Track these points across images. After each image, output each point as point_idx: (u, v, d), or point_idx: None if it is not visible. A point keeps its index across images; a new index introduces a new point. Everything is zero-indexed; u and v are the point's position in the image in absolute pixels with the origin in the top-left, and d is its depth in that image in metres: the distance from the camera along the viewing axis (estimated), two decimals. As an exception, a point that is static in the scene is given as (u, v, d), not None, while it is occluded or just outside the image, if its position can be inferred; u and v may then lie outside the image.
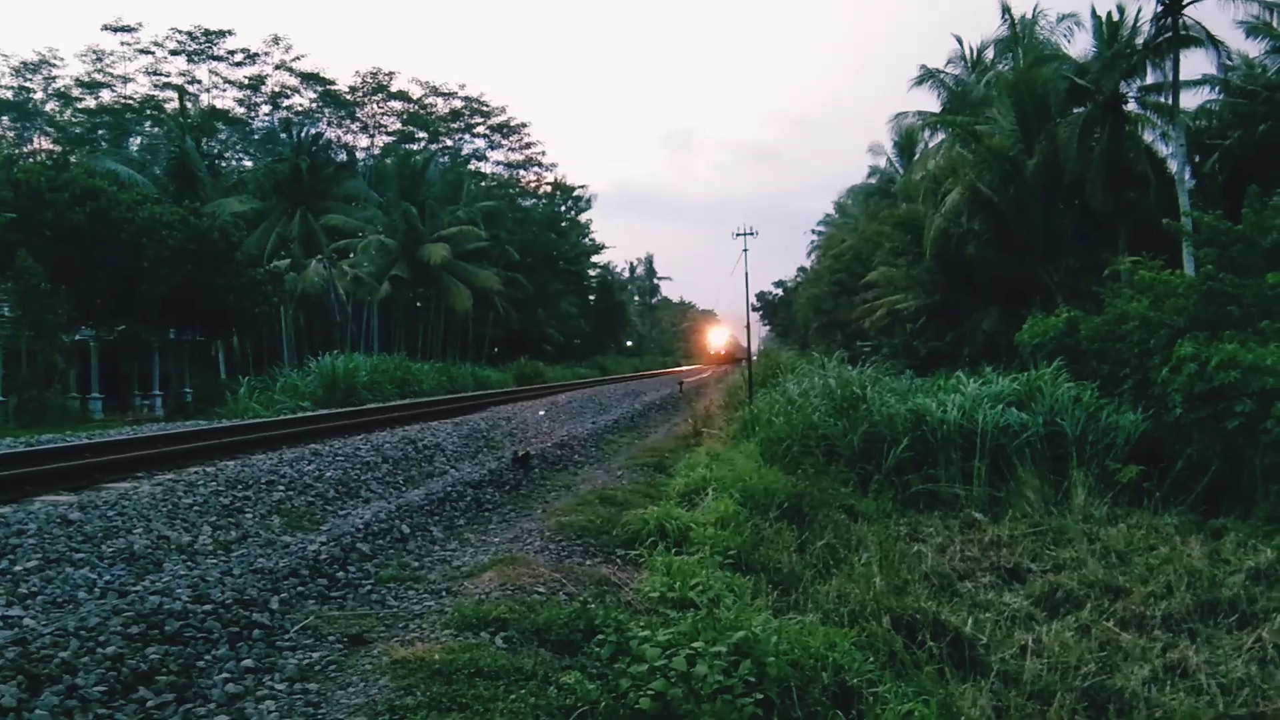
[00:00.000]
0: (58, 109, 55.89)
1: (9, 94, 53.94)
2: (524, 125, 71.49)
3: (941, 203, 27.32)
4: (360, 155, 62.27)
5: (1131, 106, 25.92)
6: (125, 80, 57.52)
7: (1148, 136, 26.00)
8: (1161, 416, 13.39)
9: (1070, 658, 7.11)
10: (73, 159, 46.22)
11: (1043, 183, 24.82)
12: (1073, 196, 25.33)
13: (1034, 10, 30.22)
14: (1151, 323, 14.61)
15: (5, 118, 54.51)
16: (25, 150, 50.85)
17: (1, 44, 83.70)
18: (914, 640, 6.84)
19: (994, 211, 25.95)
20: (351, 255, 46.34)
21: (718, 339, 74.69)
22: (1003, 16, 30.45)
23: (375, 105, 65.48)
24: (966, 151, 27.59)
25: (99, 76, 56.49)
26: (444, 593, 6.53)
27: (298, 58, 60.46)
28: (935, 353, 27.48)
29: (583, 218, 77.12)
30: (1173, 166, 23.80)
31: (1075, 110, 25.51)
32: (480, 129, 70.02)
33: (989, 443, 13.24)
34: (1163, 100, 24.71)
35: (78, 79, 55.85)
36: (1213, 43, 23.23)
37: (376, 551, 7.69)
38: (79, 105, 56.45)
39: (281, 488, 9.05)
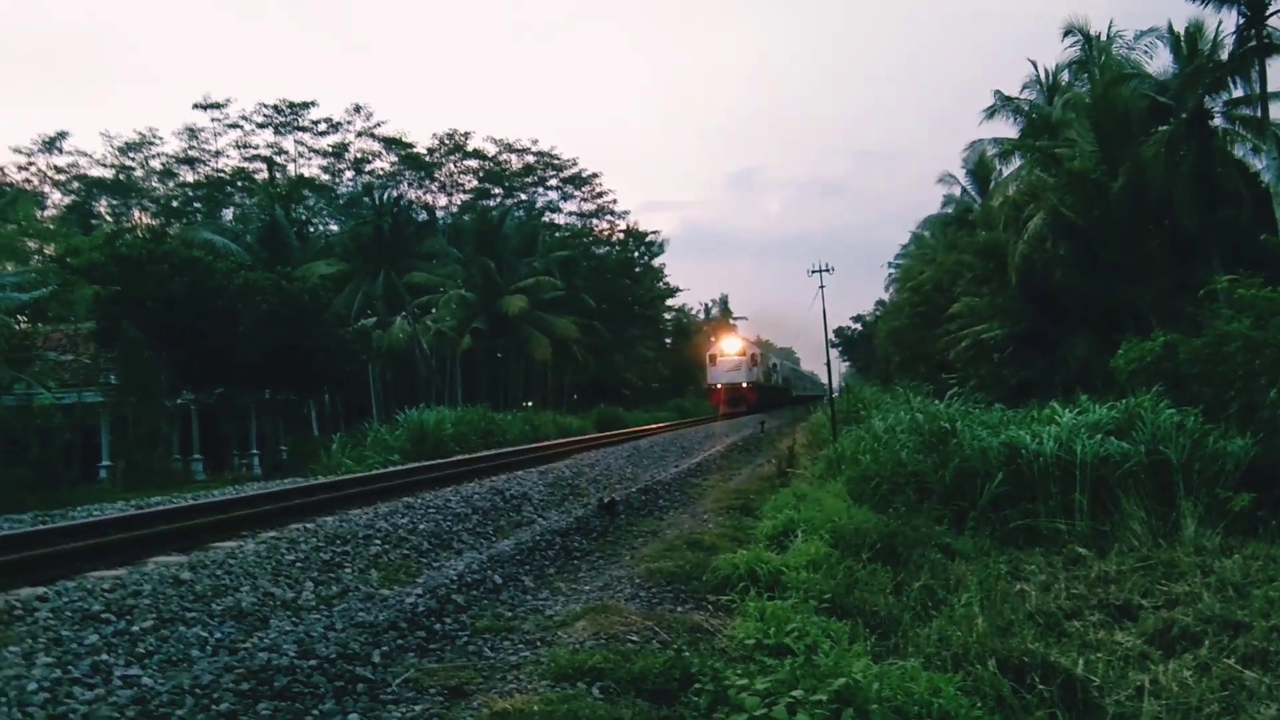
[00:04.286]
0: (156, 185, 58.99)
1: (110, 173, 57.13)
2: (595, 175, 72.70)
3: (1023, 229, 26.74)
4: (439, 213, 64.11)
5: (1218, 121, 25.10)
6: (217, 154, 60.51)
7: (1238, 151, 25.10)
8: (1271, 440, 12.75)
9: (1191, 698, 6.76)
10: (170, 231, 48.69)
11: (1129, 204, 24.12)
12: (1161, 216, 24.54)
13: (1109, 29, 29.65)
14: (1256, 343, 13.98)
15: (106, 198, 57.68)
16: (126, 226, 53.68)
17: (108, 127, 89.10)
18: (1022, 684, 6.59)
19: (1079, 235, 25.30)
20: (434, 310, 47.50)
21: (726, 363, 52.86)
22: (1063, 38, 29.81)
23: (452, 165, 67.39)
24: (1047, 176, 27.03)
25: (193, 152, 59.54)
26: (538, 643, 6.57)
27: (378, 124, 62.80)
28: (1026, 382, 26.70)
29: (656, 262, 77.69)
30: (1266, 180, 22.91)
31: (1159, 129, 24.81)
32: (553, 181, 71.43)
33: (1089, 474, 12.77)
34: (1251, 113, 23.88)
35: (174, 155, 58.97)
36: (1301, 50, 22.40)
37: (471, 603, 7.79)
38: (176, 180, 59.48)
39: (378, 542, 9.26)
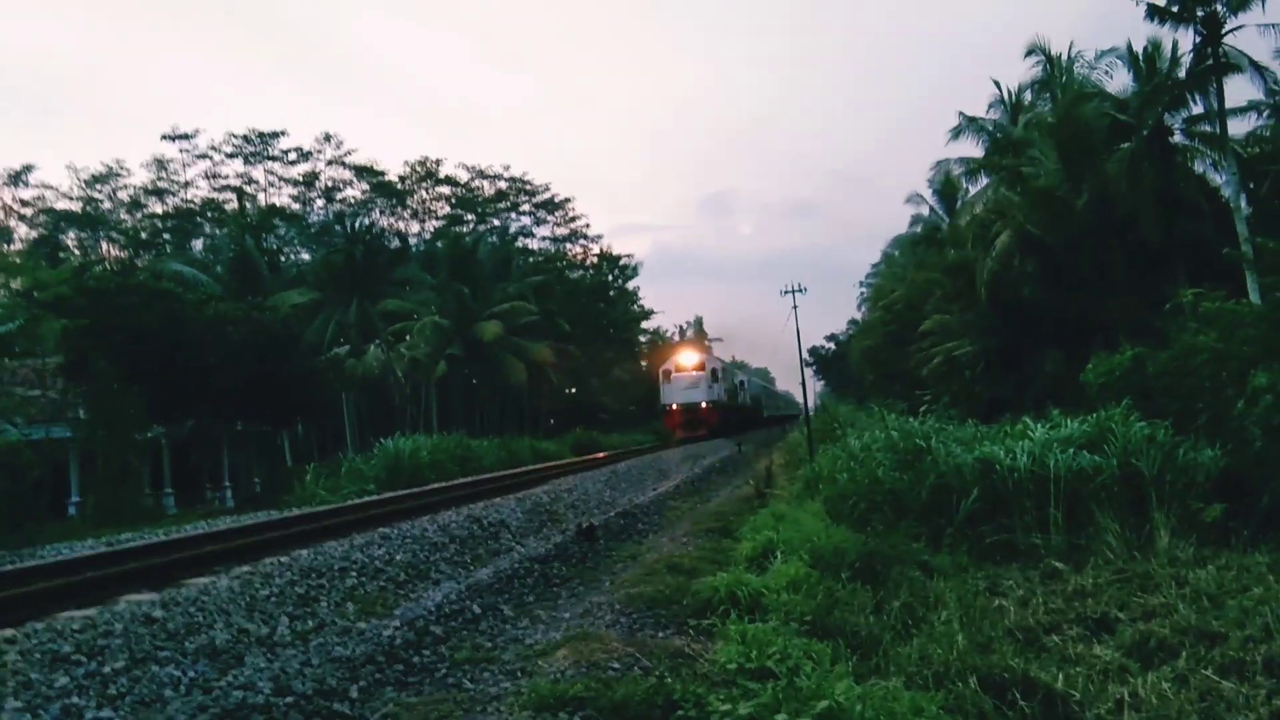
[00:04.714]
0: (124, 217, 58.42)
1: (77, 206, 56.53)
2: (568, 200, 72.91)
3: (991, 246, 27.10)
4: (412, 240, 63.93)
5: (1178, 138, 25.62)
6: (186, 185, 60.07)
7: (1198, 167, 25.63)
8: (1241, 451, 12.93)
9: (1170, 710, 6.80)
10: (140, 263, 48.19)
11: (1094, 220, 24.52)
12: (1125, 232, 24.96)
13: (1070, 50, 30.22)
14: (1222, 355, 14.21)
15: (74, 231, 57.05)
16: (95, 258, 53.10)
17: (73, 160, 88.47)
18: (1004, 700, 6.61)
19: (1046, 252, 25.66)
20: (408, 338, 47.30)
21: (682, 379, 46.63)
22: (1025, 56, 30.33)
23: (424, 192, 67.36)
24: (1013, 194, 27.43)
25: (162, 184, 59.07)
26: (519, 673, 6.51)
27: (349, 152, 62.67)
28: (997, 398, 26.95)
29: (630, 285, 77.85)
30: (1226, 194, 23.38)
31: (1120, 146, 25.29)
32: (525, 207, 71.56)
33: (1063, 488, 12.88)
34: (1211, 129, 24.39)
35: (142, 187, 58.47)
36: (1256, 69, 22.94)
37: (450, 634, 7.71)
38: (144, 211, 58.96)
39: (354, 574, 9.16)
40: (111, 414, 26.02)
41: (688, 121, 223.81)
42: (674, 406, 46.60)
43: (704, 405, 46.07)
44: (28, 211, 54.94)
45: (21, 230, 54.14)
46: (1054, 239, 25.27)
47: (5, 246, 46.92)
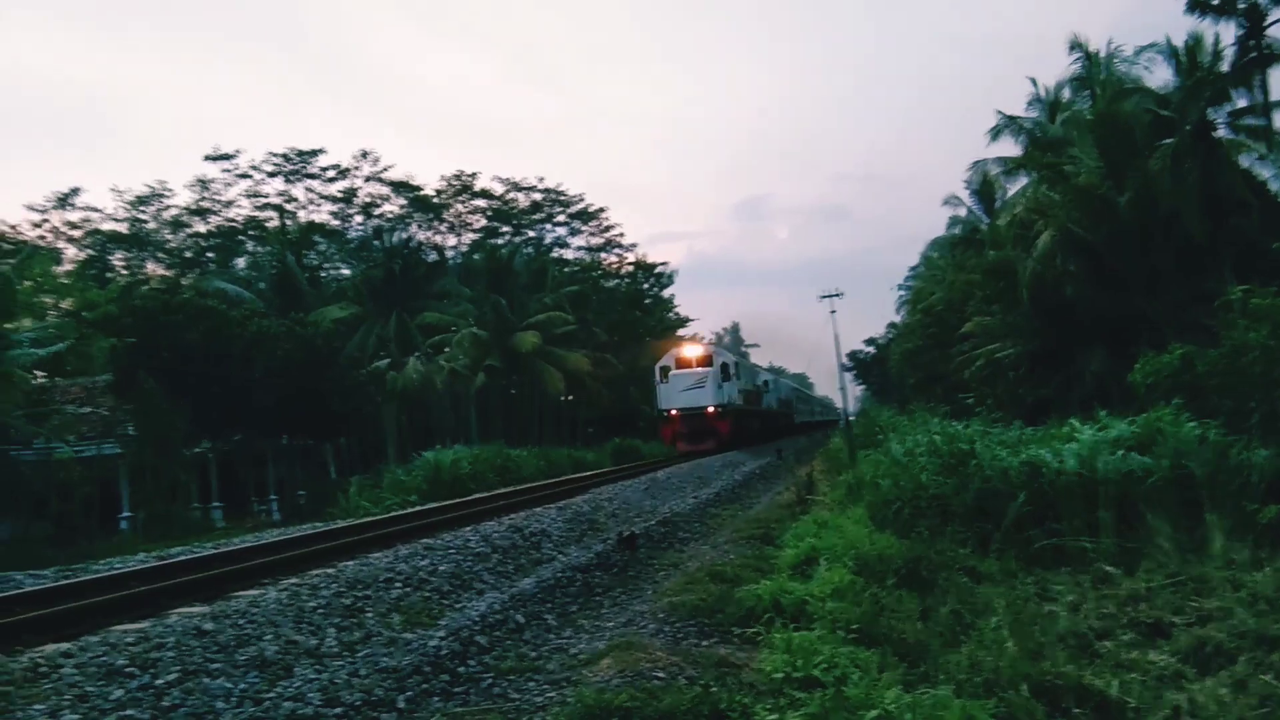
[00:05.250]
0: (169, 236, 59.61)
1: (124, 227, 57.81)
2: (602, 210, 73.06)
3: (1032, 246, 26.72)
4: (449, 253, 64.48)
5: (1222, 132, 25.10)
6: (229, 204, 61.12)
7: (1244, 161, 25.07)
8: (1297, 450, 12.58)
9: (1229, 717, 6.63)
10: (185, 281, 49.14)
11: (1137, 217, 24.08)
12: (1170, 229, 24.49)
13: (1108, 45, 29.78)
14: (1273, 352, 13.86)
15: (121, 251, 58.33)
16: (141, 278, 54.20)
17: (119, 182, 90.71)
18: (1057, 708, 6.49)
19: (1089, 250, 25.25)
20: (447, 350, 47.68)
21: (683, 378, 36.60)
22: (1069, 52, 29.97)
23: (460, 205, 67.88)
24: (1053, 193, 27.04)
25: (205, 203, 60.18)
26: (564, 682, 6.52)
27: (386, 169, 63.37)
28: (1042, 400, 26.52)
29: (666, 293, 77.86)
30: (1275, 188, 22.86)
31: (1163, 142, 24.84)
32: (560, 217, 71.84)
33: (1112, 491, 12.63)
34: (1255, 123, 23.88)
35: (186, 207, 59.63)
36: (1303, 58, 22.43)
37: (494, 644, 7.74)
38: (188, 231, 60.10)
39: (399, 585, 9.22)
40: (159, 430, 26.53)
41: (720, 128, 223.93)
42: (673, 412, 36.72)
43: (711, 410, 36.00)
44: (76, 233, 56.30)
45: (70, 252, 55.45)
46: (1097, 237, 24.86)
47: (55, 268, 48.00)
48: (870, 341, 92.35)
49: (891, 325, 79.30)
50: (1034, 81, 34.56)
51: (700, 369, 36.92)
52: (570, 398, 53.73)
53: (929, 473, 14.14)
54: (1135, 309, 24.50)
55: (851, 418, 37.26)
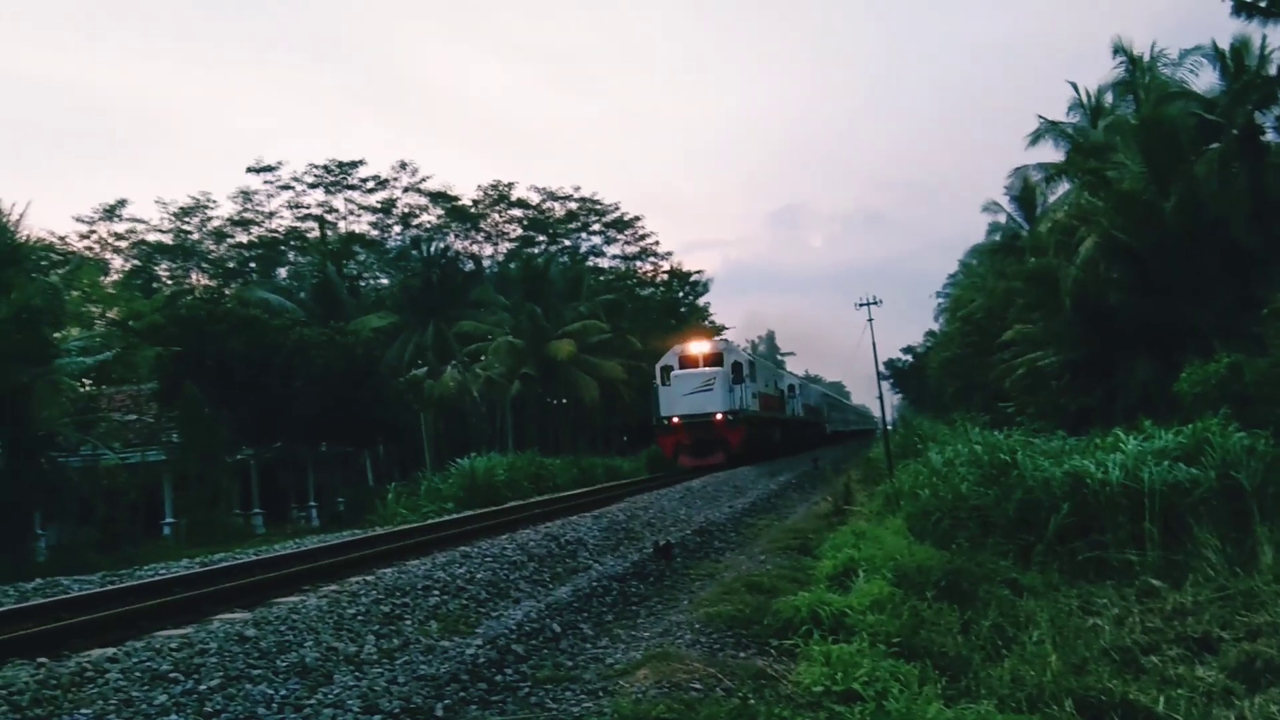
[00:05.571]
0: (212, 247, 60.68)
1: (169, 238, 58.98)
2: (637, 218, 73.16)
3: (1074, 253, 26.34)
4: (486, 262, 64.98)
5: (1271, 136, 24.58)
6: (271, 215, 62.10)
7: (1293, 165, 24.52)
8: (1350, 461, 12.27)
9: (1281, 736, 6.46)
10: (228, 291, 49.99)
11: (1183, 224, 23.64)
12: (1217, 235, 24.01)
13: (1152, 49, 29.32)
14: (1326, 361, 13.55)
15: (166, 261, 59.50)
16: (185, 287, 55.23)
17: (164, 194, 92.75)
18: (1102, 724, 6.37)
19: (1133, 257, 24.83)
20: (483, 358, 48.00)
21: (687, 380, 31.39)
22: (1113, 55, 29.56)
23: (497, 215, 68.35)
24: (1096, 198, 26.65)
25: (247, 214, 61.20)
26: (600, 693, 6.51)
27: (424, 179, 64.02)
28: (1085, 409, 26.10)
29: (701, 301, 77.77)
30: (1326, 192, 22.33)
31: (1209, 147, 24.39)
32: (596, 226, 72.08)
33: (1158, 503, 12.38)
34: (1306, 126, 23.37)
35: (229, 218, 60.70)
36: (1353, 62, 21.92)
37: (531, 652, 7.75)
38: (231, 241, 61.16)
39: (437, 592, 9.27)
40: (203, 437, 26.98)
41: (754, 136, 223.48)
42: (674, 420, 31.15)
43: (719, 418, 30.52)
44: (122, 244, 57.55)
45: (117, 262, 56.70)
46: (1141, 244, 24.45)
47: (102, 279, 49.05)
48: (908, 350, 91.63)
49: (930, 333, 78.64)
50: (1075, 86, 34.14)
51: (707, 369, 31.63)
52: (605, 406, 53.75)
53: (969, 483, 13.96)
54: (1180, 316, 24.04)
55: (889, 427, 36.85)
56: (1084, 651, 8.42)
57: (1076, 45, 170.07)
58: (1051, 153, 34.16)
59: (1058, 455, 14.58)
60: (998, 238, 45.57)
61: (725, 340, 34.94)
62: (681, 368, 32.18)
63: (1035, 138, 33.42)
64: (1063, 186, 33.18)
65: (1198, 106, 25.33)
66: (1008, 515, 13.08)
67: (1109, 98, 32.28)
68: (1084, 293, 26.20)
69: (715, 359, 32.26)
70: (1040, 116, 33.42)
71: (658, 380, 32.91)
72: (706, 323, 78.26)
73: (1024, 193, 39.65)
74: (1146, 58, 29.29)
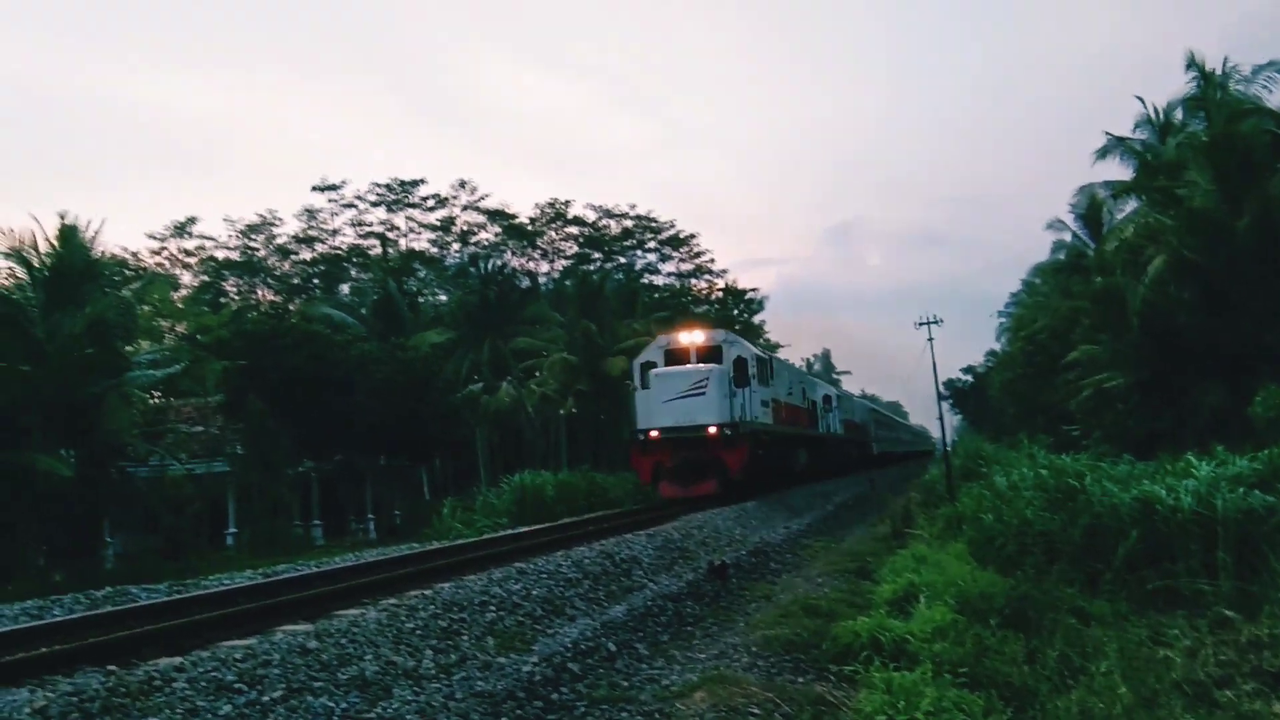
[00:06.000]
0: (278, 264, 62.23)
1: (236, 254, 60.65)
2: (693, 236, 73.32)
3: (1143, 272, 25.70)
4: (542, 280, 65.60)
5: (1349, 152, 23.76)
6: (334, 233, 63.52)
7: (1373, 182, 23.65)
8: None
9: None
10: (292, 307, 51.15)
11: (1257, 243, 22.93)
12: (1293, 254, 23.25)
13: (1224, 64, 28.55)
14: None
15: (233, 277, 61.16)
16: (251, 303, 56.70)
17: (232, 211, 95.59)
18: (1175, 761, 6.13)
19: (1204, 277, 24.14)
20: (538, 374, 48.37)
21: (672, 381, 22.50)
22: (1185, 70, 28.84)
23: (554, 232, 69.06)
24: (1166, 217, 25.99)
25: (311, 232, 62.68)
26: (657, 714, 6.47)
27: (482, 197, 65.04)
28: (1154, 433, 25.36)
29: (756, 319, 77.45)
30: None
31: (1285, 163, 23.66)
32: (651, 244, 72.37)
33: (1232, 531, 11.94)
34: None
35: (294, 235, 62.23)
36: None
37: (586, 671, 7.73)
38: (296, 258, 62.65)
39: (493, 608, 9.31)
40: (266, 449, 27.59)
41: (810, 153, 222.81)
42: (652, 434, 22.65)
43: (713, 432, 22.03)
44: (191, 260, 59.35)
45: (186, 277, 58.48)
46: (1212, 263, 23.76)
47: (172, 293, 50.56)
48: (968, 370, 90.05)
49: (990, 353, 77.19)
50: (1143, 101, 33.36)
51: (700, 365, 23.32)
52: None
53: (1035, 508, 13.63)
54: (1255, 339, 23.28)
55: (949, 448, 36.17)
56: (1154, 684, 8.14)
57: (1142, 62, 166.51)
58: (1118, 170, 33.44)
59: (1125, 480, 14.16)
60: (1062, 256, 44.64)
61: (727, 331, 27.62)
62: (667, 364, 24.07)
63: (1102, 153, 32.71)
64: (1130, 204, 32.42)
65: (1272, 123, 24.63)
66: (1074, 541, 12.71)
67: (1179, 114, 31.49)
68: (1153, 313, 25.54)
69: (711, 353, 24.10)
70: (1107, 133, 32.73)
71: (635, 381, 25.10)
72: (761, 341, 77.90)
73: (1090, 211, 38.81)
74: (1219, 73, 28.53)
